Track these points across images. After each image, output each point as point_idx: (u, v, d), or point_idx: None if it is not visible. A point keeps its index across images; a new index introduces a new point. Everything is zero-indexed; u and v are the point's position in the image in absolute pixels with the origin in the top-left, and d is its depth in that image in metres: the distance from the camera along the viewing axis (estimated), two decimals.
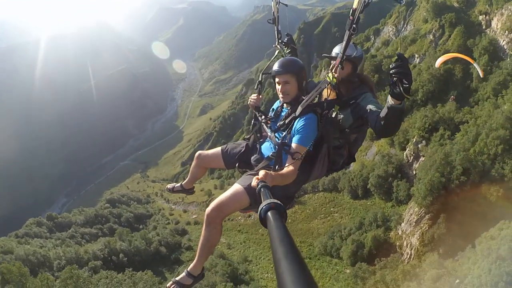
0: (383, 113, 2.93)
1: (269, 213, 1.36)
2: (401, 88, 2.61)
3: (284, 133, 3.33)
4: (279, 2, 4.05)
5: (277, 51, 4.18)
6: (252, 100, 3.89)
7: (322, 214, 40.54)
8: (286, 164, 3.11)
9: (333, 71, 3.34)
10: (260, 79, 3.99)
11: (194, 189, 4.53)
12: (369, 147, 45.72)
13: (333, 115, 3.21)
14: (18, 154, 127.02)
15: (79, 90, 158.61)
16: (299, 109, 3.24)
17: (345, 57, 3.16)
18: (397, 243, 26.38)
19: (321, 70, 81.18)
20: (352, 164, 4.15)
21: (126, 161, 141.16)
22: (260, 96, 3.93)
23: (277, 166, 3.20)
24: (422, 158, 33.20)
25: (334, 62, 3.42)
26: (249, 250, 40.76)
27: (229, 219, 45.24)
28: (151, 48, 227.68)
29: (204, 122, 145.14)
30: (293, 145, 3.18)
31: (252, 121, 3.87)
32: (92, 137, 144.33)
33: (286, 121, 3.36)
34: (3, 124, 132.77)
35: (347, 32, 2.99)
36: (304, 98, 3.42)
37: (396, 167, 35.22)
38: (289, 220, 41.30)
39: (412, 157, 34.70)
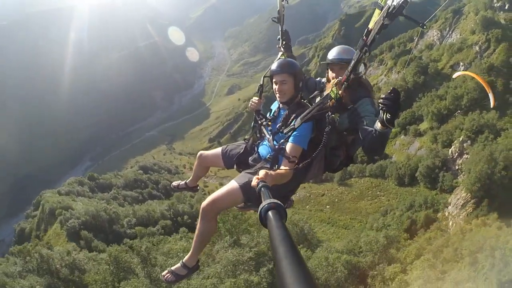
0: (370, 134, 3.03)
1: (269, 213, 1.40)
2: (384, 118, 2.70)
3: (282, 140, 3.41)
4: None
5: (280, 53, 4.15)
6: (253, 103, 3.95)
7: (369, 196, 44.39)
8: (283, 165, 3.24)
9: (337, 86, 3.30)
10: (261, 82, 4.01)
11: (198, 187, 4.81)
12: (411, 142, 49.97)
13: (332, 121, 3.26)
14: (45, 118, 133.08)
15: (110, 59, 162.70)
16: (299, 121, 3.30)
17: (352, 76, 3.21)
18: (444, 223, 31.04)
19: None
20: (350, 164, 4.03)
21: (153, 132, 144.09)
22: (262, 100, 3.99)
23: (275, 167, 3.32)
24: (465, 156, 37.68)
25: (334, 73, 3.63)
26: None
27: None
28: (183, 25, 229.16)
29: (232, 102, 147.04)
30: (289, 145, 3.32)
31: (252, 123, 3.96)
32: (120, 106, 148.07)
33: (285, 131, 3.41)
34: (35, 88, 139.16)
35: (357, 52, 3.01)
36: (302, 100, 3.71)
37: (442, 161, 39.85)
38: (336, 200, 45.47)
39: (456, 154, 39.21)
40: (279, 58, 3.96)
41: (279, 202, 1.51)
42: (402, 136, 52.20)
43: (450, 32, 68.29)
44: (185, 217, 41.87)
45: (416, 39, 77.14)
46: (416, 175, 41.37)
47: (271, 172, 2.84)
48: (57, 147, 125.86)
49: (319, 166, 3.63)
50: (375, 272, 16.92)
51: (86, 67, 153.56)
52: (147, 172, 74.83)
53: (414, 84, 58.12)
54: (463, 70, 53.00)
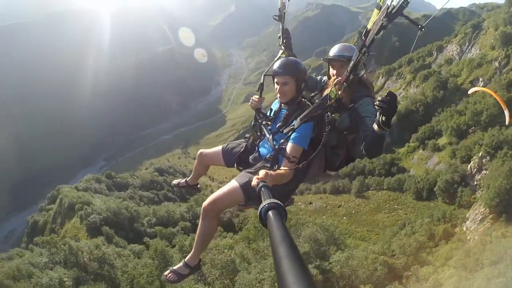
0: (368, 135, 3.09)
1: (269, 213, 1.41)
2: (380, 121, 2.76)
3: (282, 140, 3.40)
4: None
5: (280, 51, 4.09)
6: (253, 101, 3.96)
7: (386, 209, 44.25)
8: (283, 166, 3.23)
9: (337, 86, 3.33)
10: (262, 80, 3.99)
11: (199, 185, 4.81)
12: (430, 157, 49.87)
13: (331, 121, 3.25)
14: (63, 116, 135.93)
15: (128, 63, 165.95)
16: (298, 122, 3.32)
17: (351, 77, 3.22)
18: (462, 237, 31.01)
19: (378, 77, 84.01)
20: (350, 163, 4.01)
21: (168, 135, 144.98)
22: (262, 98, 3.99)
23: (275, 167, 3.31)
24: (484, 171, 37.59)
25: (334, 70, 3.62)
26: None
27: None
28: (200, 32, 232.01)
29: (248, 110, 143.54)
30: (290, 145, 3.31)
31: (252, 122, 3.96)
32: (136, 109, 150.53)
33: (285, 131, 3.42)
34: (53, 86, 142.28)
35: (356, 52, 3.02)
36: (303, 99, 3.69)
37: (461, 176, 39.77)
38: (353, 211, 45.43)
39: (475, 169, 39.13)
40: (280, 57, 3.93)
41: (279, 202, 1.53)
42: (421, 151, 52.08)
43: (469, 47, 68.28)
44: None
45: (436, 53, 76.63)
46: (434, 189, 41.32)
47: (271, 172, 2.84)
48: (72, 144, 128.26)
49: (319, 165, 3.67)
50: (410, 273, 17.44)
51: (104, 69, 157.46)
52: (162, 174, 75.11)
53: (434, 99, 58.07)
54: (482, 86, 53.00)
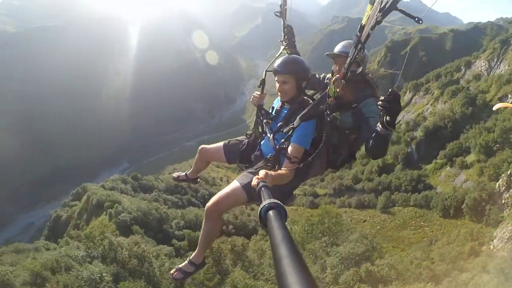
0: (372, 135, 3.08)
1: (269, 213, 1.40)
2: (384, 120, 2.78)
3: (283, 140, 3.39)
4: None
5: (282, 47, 4.10)
6: (254, 97, 3.98)
7: (412, 226, 43.77)
8: (284, 166, 3.23)
9: (335, 84, 3.30)
10: (263, 77, 3.99)
11: (198, 180, 4.84)
12: (457, 174, 49.30)
13: (333, 119, 3.26)
14: (90, 116, 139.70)
15: (155, 69, 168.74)
16: (298, 121, 3.33)
17: (349, 74, 3.15)
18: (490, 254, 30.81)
19: (405, 92, 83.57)
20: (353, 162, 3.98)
21: (191, 142, 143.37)
22: (264, 94, 3.99)
23: (276, 167, 3.31)
24: None
25: (338, 66, 3.61)
26: None
27: None
28: (228, 44, 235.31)
29: None
30: (291, 145, 3.30)
31: (254, 118, 3.98)
32: (161, 114, 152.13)
33: (285, 130, 3.43)
34: (83, 87, 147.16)
35: (352, 49, 2.95)
36: (304, 98, 3.65)
37: (489, 194, 39.35)
38: (378, 227, 45.17)
39: (503, 188, 38.68)
40: (281, 53, 3.98)
41: (279, 202, 1.52)
42: (448, 168, 51.53)
43: (498, 63, 67.52)
44: (230, 226, 42.06)
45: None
46: (462, 207, 40.93)
47: (271, 172, 2.82)
48: (97, 144, 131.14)
49: (321, 164, 3.66)
50: (450, 279, 17.84)
51: (132, 74, 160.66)
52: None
53: (462, 115, 57.52)
54: (510, 103, 52.53)
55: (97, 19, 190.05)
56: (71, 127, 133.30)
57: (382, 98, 2.77)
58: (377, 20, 2.64)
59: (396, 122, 2.85)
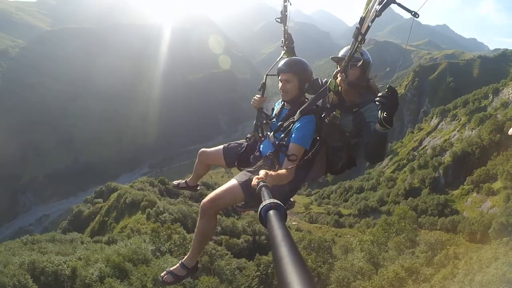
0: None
1: (269, 213, 1.40)
2: (382, 117, 2.74)
3: (282, 135, 3.44)
4: (288, 0, 4.01)
5: (283, 52, 4.17)
6: (255, 100, 3.98)
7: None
8: (284, 165, 3.23)
9: (336, 78, 3.36)
10: (264, 80, 4.05)
11: (199, 187, 4.78)
12: (483, 200, 49.44)
13: (333, 118, 3.30)
14: (117, 116, 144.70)
15: (184, 79, 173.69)
16: (298, 114, 3.39)
17: (349, 65, 3.19)
18: None
19: (432, 117, 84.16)
20: (352, 167, 3.93)
21: None
22: (264, 98, 4.03)
23: (275, 166, 3.31)
24: None
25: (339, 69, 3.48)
26: None
27: None
28: (254, 57, 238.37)
29: None
30: (291, 144, 3.32)
31: (254, 121, 3.99)
32: (186, 122, 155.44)
33: (285, 124, 3.48)
34: (113, 88, 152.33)
35: (353, 41, 2.91)
36: (306, 99, 3.70)
37: None
38: None
39: None
40: (282, 57, 4.02)
41: (279, 202, 1.53)
42: (475, 194, 51.72)
43: None
44: (262, 237, 40.55)
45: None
46: (489, 231, 41.20)
47: (271, 172, 2.82)
48: (121, 146, 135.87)
49: (320, 166, 3.67)
50: None
51: (161, 82, 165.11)
52: (208, 188, 76.89)
53: (490, 142, 57.75)
54: None
55: (133, 25, 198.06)
56: (96, 127, 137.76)
57: (379, 94, 2.78)
58: (376, 13, 2.60)
59: (392, 120, 2.81)
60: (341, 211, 59.02)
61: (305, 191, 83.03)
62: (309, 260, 11.42)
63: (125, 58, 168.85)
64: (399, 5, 2.59)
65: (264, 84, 4.09)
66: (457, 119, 76.37)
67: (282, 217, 1.35)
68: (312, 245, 16.32)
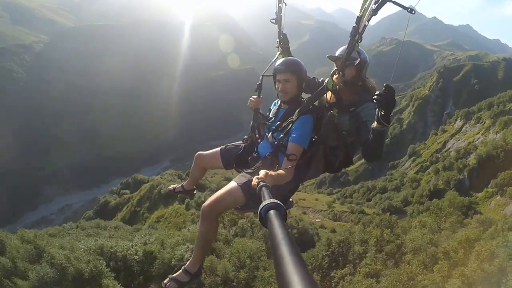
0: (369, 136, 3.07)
1: (269, 213, 1.40)
2: (379, 115, 2.78)
3: (281, 135, 3.44)
4: (283, 1, 3.99)
5: (278, 53, 4.16)
6: (252, 101, 4.00)
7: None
8: (283, 165, 3.24)
9: (333, 77, 3.41)
10: (260, 81, 4.04)
11: (195, 191, 4.75)
12: (507, 203, 49.67)
13: (331, 117, 3.32)
14: (139, 111, 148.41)
15: (207, 75, 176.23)
16: (296, 114, 3.39)
17: (347, 63, 3.24)
18: None
19: (456, 120, 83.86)
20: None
21: None
22: (260, 98, 4.03)
23: (275, 166, 3.26)
24: None
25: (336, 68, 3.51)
26: None
27: None
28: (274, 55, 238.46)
29: None
30: (290, 144, 3.33)
31: (251, 122, 3.98)
32: (207, 119, 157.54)
33: (284, 124, 3.47)
34: (135, 85, 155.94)
35: (350, 40, 2.95)
36: (302, 99, 3.72)
37: None
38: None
39: None
40: (277, 57, 4.05)
41: (279, 202, 1.53)
42: (498, 197, 51.99)
43: None
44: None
45: None
46: None
47: (271, 172, 2.81)
48: (143, 141, 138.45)
49: (318, 165, 3.69)
50: None
51: (183, 78, 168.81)
52: None
53: None
54: None
55: (155, 22, 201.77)
56: (119, 121, 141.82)
57: (377, 92, 2.79)
58: (373, 10, 2.62)
59: (390, 117, 2.87)
60: (364, 210, 59.68)
61: (326, 190, 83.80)
62: (385, 234, 12.46)
63: (146, 55, 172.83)
64: (394, 2, 2.62)
65: (260, 85, 4.10)
66: (482, 122, 75.67)
67: (282, 217, 1.36)
68: (382, 223, 17.25)
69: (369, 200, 67.34)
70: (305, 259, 18.17)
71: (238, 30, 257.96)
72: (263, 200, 1.72)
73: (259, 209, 1.49)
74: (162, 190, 44.70)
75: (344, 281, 11.23)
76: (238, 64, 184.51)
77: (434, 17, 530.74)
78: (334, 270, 12.69)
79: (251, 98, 4.04)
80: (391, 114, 2.84)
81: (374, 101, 2.78)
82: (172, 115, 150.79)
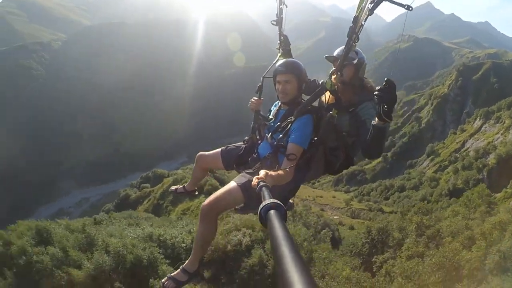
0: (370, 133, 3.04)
1: (269, 213, 1.40)
2: (381, 111, 2.75)
3: (281, 136, 3.43)
4: (284, 2, 3.99)
5: (279, 54, 4.16)
6: (252, 102, 4.02)
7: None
8: (283, 165, 3.21)
9: (331, 77, 3.36)
10: (261, 82, 4.00)
11: (197, 192, 4.76)
12: None
13: (330, 117, 3.28)
14: (151, 111, 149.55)
15: (221, 73, 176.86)
16: (295, 114, 3.39)
17: (345, 63, 3.24)
18: None
19: (475, 119, 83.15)
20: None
21: None
22: (261, 99, 4.04)
23: (275, 167, 3.24)
24: None
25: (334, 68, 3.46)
26: None
27: None
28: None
29: None
30: (289, 145, 3.32)
31: (252, 123, 3.98)
32: (223, 116, 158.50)
33: (283, 124, 3.47)
34: (151, 81, 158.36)
35: (347, 40, 2.96)
36: (302, 100, 3.69)
37: None
38: None
39: None
40: (278, 59, 4.02)
41: (279, 202, 1.53)
42: None
43: None
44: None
45: None
46: None
47: (271, 172, 2.80)
48: (159, 137, 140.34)
49: (318, 166, 3.68)
50: None
51: (196, 76, 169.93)
52: None
53: None
54: None
55: (170, 20, 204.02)
56: (135, 118, 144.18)
57: (377, 88, 2.78)
58: (369, 10, 2.60)
59: (392, 113, 2.84)
60: (382, 208, 60.10)
61: (343, 187, 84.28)
62: (425, 220, 13.13)
63: (162, 52, 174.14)
64: (390, 1, 2.60)
65: (261, 87, 4.09)
66: (501, 122, 74.81)
67: (283, 217, 1.38)
68: (421, 211, 17.67)
69: (386, 198, 67.52)
70: (345, 247, 18.61)
71: (255, 28, 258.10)
72: (263, 200, 1.73)
73: (259, 209, 1.51)
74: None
75: (386, 264, 11.98)
76: (243, 62, 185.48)
77: (452, 14, 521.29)
78: (375, 256, 13.40)
79: (252, 100, 4.08)
80: (393, 110, 2.81)
81: (375, 96, 2.77)
82: (186, 112, 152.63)
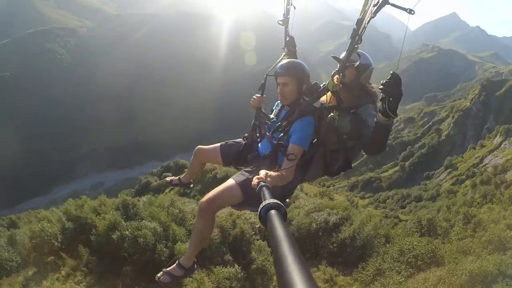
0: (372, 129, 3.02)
1: (269, 212, 1.39)
2: (387, 106, 2.71)
3: (281, 135, 3.42)
4: (291, 3, 3.97)
5: (283, 54, 4.09)
6: (254, 100, 3.92)
7: None
8: (283, 165, 3.19)
9: (333, 78, 3.30)
10: (264, 80, 3.95)
11: (192, 184, 4.65)
12: None
13: (331, 119, 3.21)
14: (172, 103, 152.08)
15: (242, 71, 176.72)
16: (297, 114, 3.37)
17: (347, 64, 3.23)
18: None
19: (495, 135, 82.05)
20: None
21: None
22: (263, 97, 3.96)
23: (274, 166, 3.28)
24: None
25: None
26: None
27: None
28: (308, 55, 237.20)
29: None
30: (290, 145, 3.29)
31: (253, 120, 3.93)
32: (244, 114, 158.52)
33: (284, 124, 3.45)
34: (174, 76, 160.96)
35: (350, 42, 2.94)
36: (304, 100, 3.63)
37: None
38: None
39: None
40: (282, 59, 3.98)
41: (279, 202, 1.52)
42: None
43: None
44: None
45: None
46: None
47: (272, 172, 2.78)
48: (179, 129, 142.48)
49: (317, 167, 3.64)
50: None
51: (222, 71, 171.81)
52: None
53: None
54: None
55: (196, 15, 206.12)
56: (157, 108, 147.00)
57: (382, 82, 2.71)
58: (372, 15, 2.63)
59: (397, 109, 2.79)
60: (399, 216, 60.54)
61: (358, 193, 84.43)
62: (470, 211, 14.25)
63: (189, 47, 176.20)
64: (393, 5, 2.60)
65: (263, 84, 4.01)
66: None
67: (283, 217, 1.37)
68: (466, 204, 18.56)
69: (403, 207, 67.75)
70: (396, 234, 20.02)
71: (276, 28, 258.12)
72: (263, 200, 1.71)
73: (259, 209, 1.50)
74: (218, 175, 46.71)
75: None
76: (254, 62, 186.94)
77: (478, 26, 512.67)
78: None
79: (254, 97, 3.96)
80: (397, 105, 2.77)
81: (381, 90, 2.72)
82: (209, 108, 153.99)
